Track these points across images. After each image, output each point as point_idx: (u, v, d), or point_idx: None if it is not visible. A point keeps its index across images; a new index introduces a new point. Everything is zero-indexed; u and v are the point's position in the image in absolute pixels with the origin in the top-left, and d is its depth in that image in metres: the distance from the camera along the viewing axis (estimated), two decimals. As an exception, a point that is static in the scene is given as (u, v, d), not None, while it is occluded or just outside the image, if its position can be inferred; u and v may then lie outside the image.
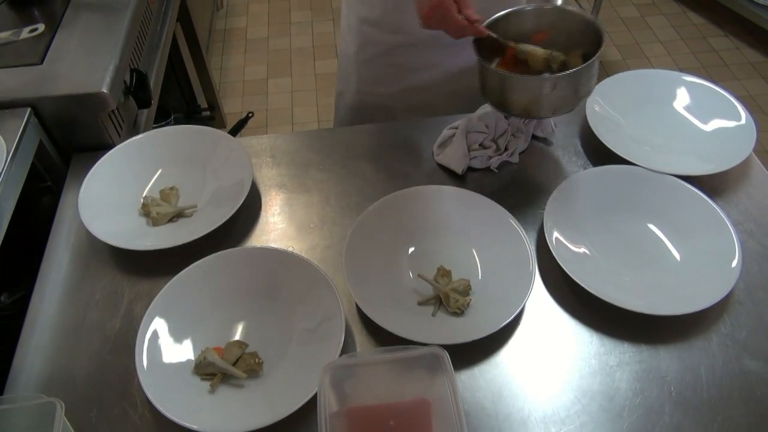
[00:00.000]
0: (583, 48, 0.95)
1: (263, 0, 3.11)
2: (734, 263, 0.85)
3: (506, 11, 0.98)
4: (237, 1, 3.11)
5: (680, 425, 0.76)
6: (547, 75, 0.94)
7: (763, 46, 2.70)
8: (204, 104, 2.13)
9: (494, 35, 0.93)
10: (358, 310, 0.85)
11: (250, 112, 1.87)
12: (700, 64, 2.66)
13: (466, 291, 0.87)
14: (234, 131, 2.00)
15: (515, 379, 0.80)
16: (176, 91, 2.03)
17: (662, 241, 0.93)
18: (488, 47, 0.95)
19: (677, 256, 0.91)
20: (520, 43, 0.96)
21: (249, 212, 1.01)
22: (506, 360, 0.82)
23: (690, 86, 1.12)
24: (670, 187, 0.96)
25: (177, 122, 1.97)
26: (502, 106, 0.96)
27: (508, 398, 0.78)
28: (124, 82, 1.17)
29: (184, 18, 1.84)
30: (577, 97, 0.93)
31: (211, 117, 2.13)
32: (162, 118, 1.87)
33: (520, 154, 1.07)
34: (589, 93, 0.95)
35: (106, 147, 1.06)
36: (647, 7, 2.95)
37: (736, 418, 0.76)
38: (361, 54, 1.21)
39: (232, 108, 2.49)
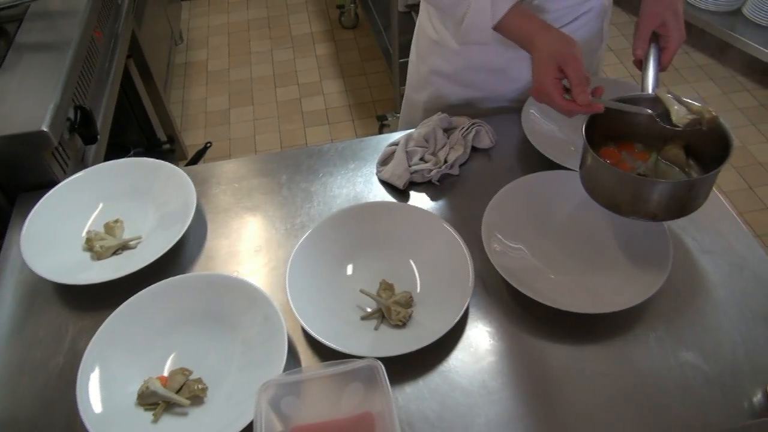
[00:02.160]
0: (683, 139, 0.91)
1: (223, 32, 3.15)
2: (667, 258, 0.88)
3: (624, 97, 0.91)
4: (196, 35, 3.14)
5: (621, 419, 0.77)
6: (673, 180, 0.89)
7: (710, 50, 2.79)
8: (164, 138, 2.13)
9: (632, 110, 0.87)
10: (304, 330, 0.86)
11: (208, 142, 1.89)
12: (651, 70, 2.73)
13: (408, 303, 0.88)
14: (193, 162, 2.01)
15: (459, 386, 0.81)
16: (134, 125, 2.04)
17: (599, 241, 0.95)
18: (606, 125, 0.90)
19: (614, 254, 0.93)
20: (664, 151, 0.92)
21: (195, 239, 1.01)
22: (450, 368, 0.83)
23: (623, 90, 1.16)
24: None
25: (137, 157, 1.98)
26: (604, 199, 0.89)
27: (452, 406, 0.79)
28: (68, 119, 1.18)
29: (137, 53, 1.85)
30: (687, 208, 0.86)
31: (171, 150, 2.13)
32: (121, 154, 1.88)
33: (460, 166, 1.09)
34: (701, 204, 0.87)
35: (52, 185, 1.06)
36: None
37: (674, 408, 0.78)
38: (430, 104, 1.23)
39: (194, 140, 2.50)
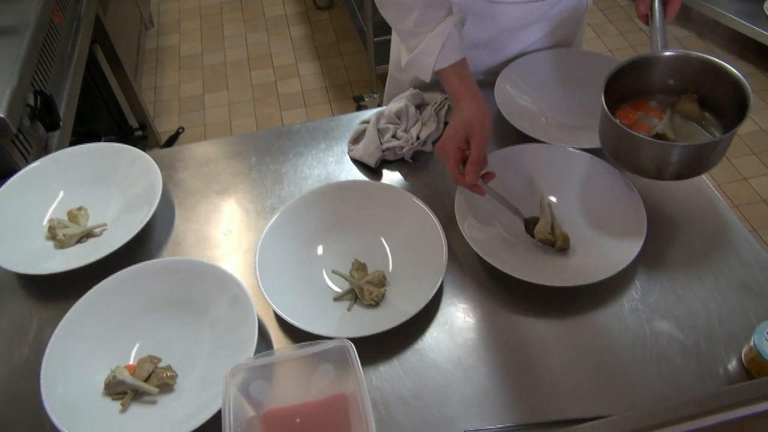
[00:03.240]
0: (697, 91, 0.92)
1: (195, 16, 3.07)
2: (641, 230, 0.87)
3: (634, 58, 0.92)
4: (168, 18, 3.06)
5: (598, 390, 0.76)
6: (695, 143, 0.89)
7: (686, 22, 2.79)
8: (136, 124, 2.09)
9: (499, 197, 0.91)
10: (275, 313, 0.84)
11: (180, 128, 1.85)
12: (628, 43, 2.72)
13: (381, 282, 0.86)
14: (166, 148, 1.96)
15: (435, 364, 0.80)
16: (104, 112, 1.99)
17: (574, 214, 0.94)
18: (619, 86, 0.91)
19: (589, 227, 0.92)
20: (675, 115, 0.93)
21: (162, 224, 0.99)
22: (425, 347, 0.82)
23: (595, 61, 1.14)
24: (577, 161, 0.97)
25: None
26: (626, 163, 0.90)
27: (428, 385, 0.78)
28: (28, 105, 1.14)
29: (102, 38, 1.80)
30: (709, 164, 0.87)
31: (144, 136, 2.09)
32: (92, 142, 1.83)
33: (433, 142, 1.07)
34: (717, 162, 0.87)
35: (13, 173, 1.02)
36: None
37: (649, 378, 0.77)
38: (415, 82, 1.19)
39: (168, 126, 2.45)
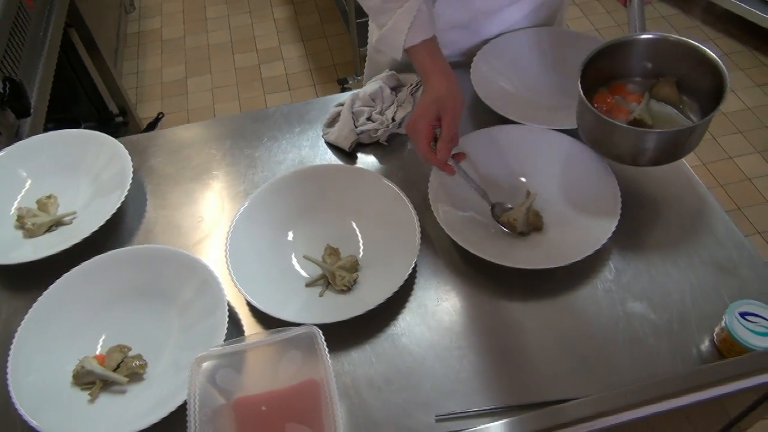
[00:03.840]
0: (675, 73, 0.92)
1: (177, -2, 3.02)
2: (615, 211, 0.86)
3: (609, 43, 0.90)
4: (149, 2, 3.01)
5: (572, 373, 0.76)
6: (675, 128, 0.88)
7: (674, 0, 2.76)
8: (116, 110, 2.06)
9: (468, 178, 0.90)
10: (247, 300, 0.83)
11: (160, 113, 1.82)
12: (615, 22, 2.69)
13: (353, 267, 0.85)
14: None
15: (407, 349, 0.79)
16: (83, 98, 1.96)
17: (549, 195, 0.93)
18: (595, 70, 0.90)
19: (563, 208, 0.91)
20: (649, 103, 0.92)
21: (134, 211, 0.97)
22: (398, 331, 0.81)
23: (574, 41, 1.13)
24: (553, 142, 0.96)
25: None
26: (604, 150, 0.90)
27: (400, 369, 0.78)
28: (-4, 91, 1.11)
29: (78, 23, 1.76)
30: (686, 150, 0.87)
31: (125, 122, 2.06)
32: (72, 128, 1.80)
33: (409, 124, 1.05)
34: (694, 147, 0.87)
35: (-18, 161, 1.00)
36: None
37: (622, 358, 0.77)
38: (394, 63, 1.16)
39: (151, 112, 2.41)
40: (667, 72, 0.93)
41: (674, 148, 0.86)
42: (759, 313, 0.73)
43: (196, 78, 2.60)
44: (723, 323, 0.74)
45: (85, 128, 1.87)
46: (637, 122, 0.90)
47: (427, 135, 0.89)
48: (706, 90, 0.88)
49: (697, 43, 0.89)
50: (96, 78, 1.93)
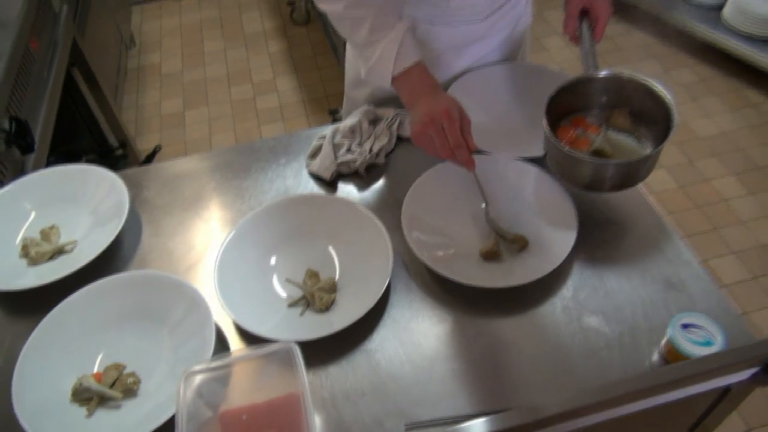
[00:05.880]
0: (629, 106, 1.01)
1: (175, 34, 3.14)
2: (572, 232, 0.93)
3: (568, 81, 1.00)
4: (149, 38, 3.13)
5: (531, 384, 0.83)
6: (624, 160, 0.97)
7: (651, 29, 2.87)
8: (116, 143, 2.15)
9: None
10: (233, 320, 0.90)
11: (158, 146, 1.91)
12: (574, 55, 2.79)
13: (332, 289, 0.92)
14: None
15: (380, 364, 0.86)
16: (84, 133, 2.05)
17: (511, 219, 1.00)
18: (558, 109, 1.00)
19: (525, 231, 0.98)
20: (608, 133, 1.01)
21: (130, 240, 1.04)
22: (373, 347, 0.88)
23: (537, 75, 1.21)
24: (516, 169, 1.04)
25: (89, 164, 1.99)
26: (569, 179, 0.99)
27: (374, 383, 0.84)
28: (3, 130, 1.20)
29: (80, 61, 1.86)
30: (641, 176, 0.95)
31: (124, 155, 2.15)
32: (73, 161, 1.89)
33: (386, 155, 1.14)
34: (649, 173, 0.96)
35: (-11, 195, 1.08)
36: (541, 3, 3.08)
37: (578, 371, 0.83)
38: (369, 99, 1.27)
39: (150, 144, 2.50)
40: (622, 104, 1.02)
41: (631, 175, 0.94)
42: (700, 324, 0.80)
43: (193, 110, 2.70)
44: (668, 335, 0.81)
45: (86, 161, 1.96)
46: (598, 152, 0.98)
47: (458, 124, 0.94)
48: (659, 119, 0.96)
49: (646, 79, 0.98)
50: (97, 113, 2.02)
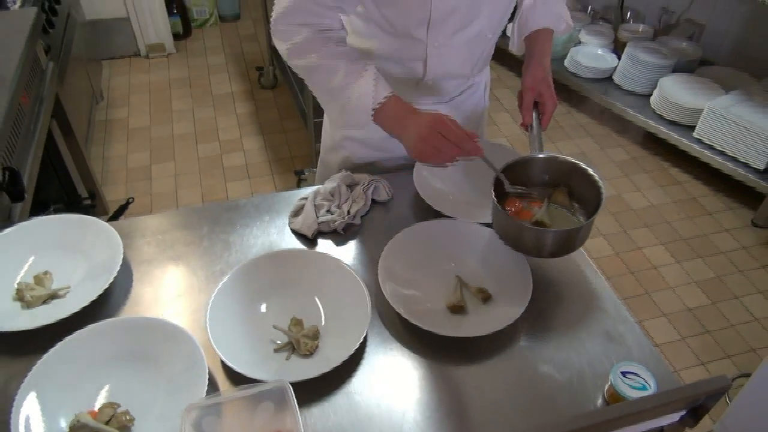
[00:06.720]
0: (567, 184, 1.15)
1: (144, 91, 3.24)
2: (528, 290, 1.07)
3: (515, 160, 1.15)
4: (117, 93, 3.21)
5: (494, 424, 0.93)
6: (558, 228, 1.12)
7: (589, 110, 3.18)
8: (85, 193, 2.19)
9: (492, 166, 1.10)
10: (222, 362, 0.97)
11: (130, 198, 1.97)
12: (525, 133, 3.07)
13: (315, 336, 1.02)
14: (115, 217, 2.07)
15: (359, 405, 0.95)
16: (54, 182, 2.09)
17: (475, 276, 1.13)
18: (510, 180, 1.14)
19: (487, 287, 1.11)
20: (552, 203, 1.16)
21: (121, 287, 1.11)
22: (353, 390, 0.97)
23: (494, 151, 1.38)
24: (477, 233, 1.18)
25: (57, 213, 2.02)
26: (513, 244, 1.11)
27: (353, 422, 0.93)
28: (-3, 179, 1.26)
29: (59, 113, 1.93)
30: (576, 245, 1.09)
31: (92, 205, 2.18)
32: (40, 210, 1.92)
33: (362, 216, 1.26)
34: (584, 242, 1.10)
35: (-21, 241, 1.13)
36: (492, 82, 3.38)
37: (533, 412, 0.95)
38: (343, 164, 1.37)
39: (115, 195, 2.55)
40: (561, 182, 1.18)
41: (567, 243, 1.09)
42: (636, 372, 0.94)
43: (160, 164, 2.77)
44: (609, 381, 0.94)
45: (54, 210, 1.99)
46: (538, 223, 1.14)
47: (442, 140, 1.04)
48: (591, 196, 1.12)
49: (580, 163, 1.15)
50: (69, 163, 2.07)
